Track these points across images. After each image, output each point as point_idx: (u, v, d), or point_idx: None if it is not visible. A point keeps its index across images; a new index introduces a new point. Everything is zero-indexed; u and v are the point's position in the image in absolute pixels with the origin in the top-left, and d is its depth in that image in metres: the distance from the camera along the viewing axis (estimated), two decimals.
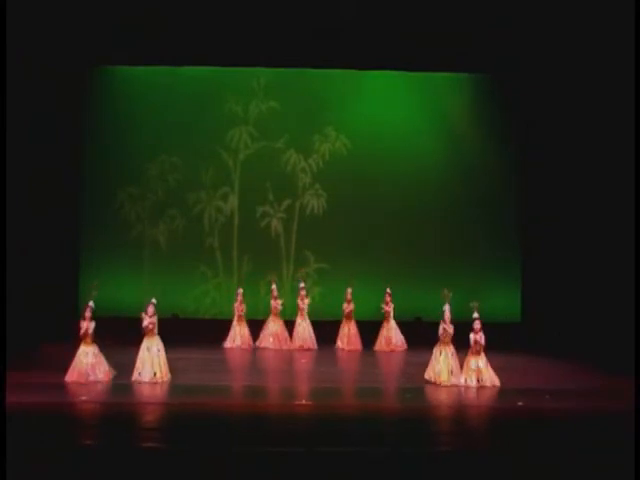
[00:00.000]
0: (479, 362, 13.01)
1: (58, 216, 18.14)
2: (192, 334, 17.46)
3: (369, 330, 17.13)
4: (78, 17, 16.58)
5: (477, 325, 13.02)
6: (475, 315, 13.09)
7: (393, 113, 19.37)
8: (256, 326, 17.32)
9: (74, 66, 18.17)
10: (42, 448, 8.90)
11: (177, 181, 19.38)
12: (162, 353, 13.19)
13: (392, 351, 16.89)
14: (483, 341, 12.97)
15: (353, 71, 19.10)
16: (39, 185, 17.56)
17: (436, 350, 13.28)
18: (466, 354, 13.11)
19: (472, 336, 13.01)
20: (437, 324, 13.43)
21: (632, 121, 14.58)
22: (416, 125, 19.41)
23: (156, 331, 13.23)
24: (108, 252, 18.95)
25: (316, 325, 17.34)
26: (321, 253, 19.39)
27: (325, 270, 19.35)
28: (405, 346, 17.03)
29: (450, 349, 13.19)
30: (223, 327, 17.32)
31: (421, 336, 15.19)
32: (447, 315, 13.26)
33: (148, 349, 13.09)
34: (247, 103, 19.44)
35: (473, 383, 12.91)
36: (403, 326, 17.31)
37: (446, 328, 13.22)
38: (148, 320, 13.14)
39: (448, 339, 13.23)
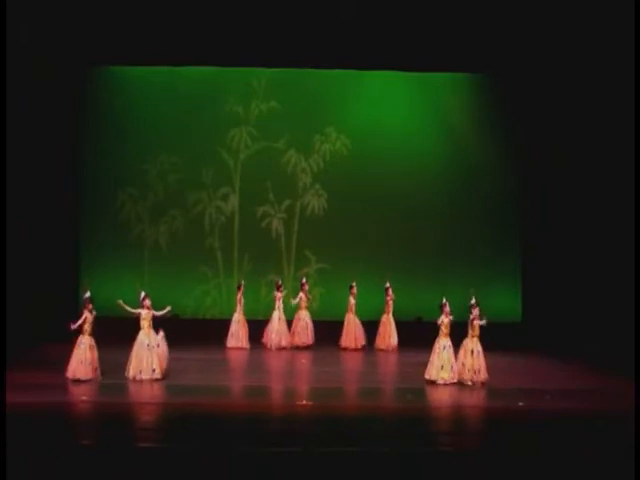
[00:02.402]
0: (478, 347, 13.16)
1: (58, 216, 18.13)
2: (192, 334, 17.47)
3: (369, 329, 17.18)
4: (78, 17, 16.56)
5: (475, 311, 13.21)
6: (472, 301, 13.27)
7: (393, 113, 19.35)
8: (257, 326, 17.36)
9: (74, 66, 18.17)
10: (42, 448, 8.89)
11: (177, 181, 19.35)
12: (156, 348, 13.21)
13: (386, 350, 16.98)
14: (480, 322, 13.16)
15: (353, 71, 19.06)
16: (39, 186, 17.55)
17: (435, 344, 13.37)
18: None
19: (470, 317, 13.26)
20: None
21: (633, 119, 14.59)
22: (416, 125, 19.41)
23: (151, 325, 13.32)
24: (108, 252, 18.95)
25: (317, 325, 17.38)
26: (322, 253, 19.36)
27: (326, 270, 19.34)
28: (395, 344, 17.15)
29: (447, 342, 13.30)
30: (223, 327, 17.30)
31: (422, 336, 15.18)
32: (446, 307, 13.42)
33: (146, 344, 13.11)
34: (247, 103, 19.41)
35: (468, 369, 13.05)
36: (404, 326, 17.34)
37: (444, 320, 13.36)
38: (150, 312, 13.22)
39: (447, 330, 13.33)
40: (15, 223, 15.54)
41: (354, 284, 17.49)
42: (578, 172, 17.47)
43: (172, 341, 13.71)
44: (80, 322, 13.01)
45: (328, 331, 17.29)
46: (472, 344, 13.24)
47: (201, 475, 8.45)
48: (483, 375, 13.14)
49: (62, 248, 18.32)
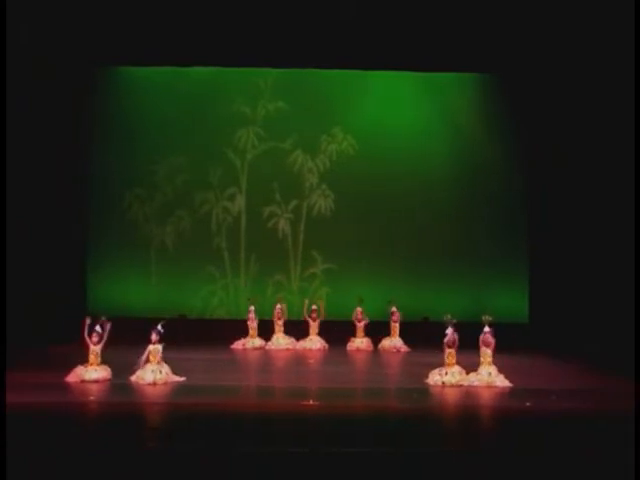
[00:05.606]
0: (491, 371, 12.98)
1: (65, 217, 18.18)
2: (199, 334, 17.49)
3: (375, 330, 17.17)
4: (83, 17, 16.61)
5: (490, 339, 13.01)
6: (486, 329, 13.10)
7: (400, 113, 19.34)
8: (261, 326, 17.42)
9: (80, 67, 18.22)
10: (42, 448, 8.89)
11: (184, 182, 19.40)
12: None
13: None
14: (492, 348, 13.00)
15: (360, 71, 19.06)
16: (46, 187, 17.60)
17: (441, 370, 13.14)
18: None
19: (483, 349, 13.03)
20: (444, 324, 13.39)
21: (636, 118, 14.53)
22: (423, 125, 19.38)
23: None
24: (115, 253, 19.00)
25: (324, 325, 17.39)
26: (328, 253, 19.36)
27: (333, 270, 19.33)
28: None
29: (456, 368, 13.06)
30: (230, 327, 17.35)
31: (428, 336, 15.15)
32: (450, 338, 13.12)
33: None
34: (254, 103, 19.44)
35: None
36: (410, 326, 17.33)
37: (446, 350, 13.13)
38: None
39: (452, 360, 13.09)
40: (23, 223, 15.60)
41: (359, 309, 17.41)
42: (585, 172, 17.38)
43: (179, 341, 13.70)
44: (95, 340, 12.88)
45: (336, 332, 17.30)
46: (489, 369, 12.92)
47: (205, 475, 8.42)
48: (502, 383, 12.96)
49: (70, 248, 18.37)
